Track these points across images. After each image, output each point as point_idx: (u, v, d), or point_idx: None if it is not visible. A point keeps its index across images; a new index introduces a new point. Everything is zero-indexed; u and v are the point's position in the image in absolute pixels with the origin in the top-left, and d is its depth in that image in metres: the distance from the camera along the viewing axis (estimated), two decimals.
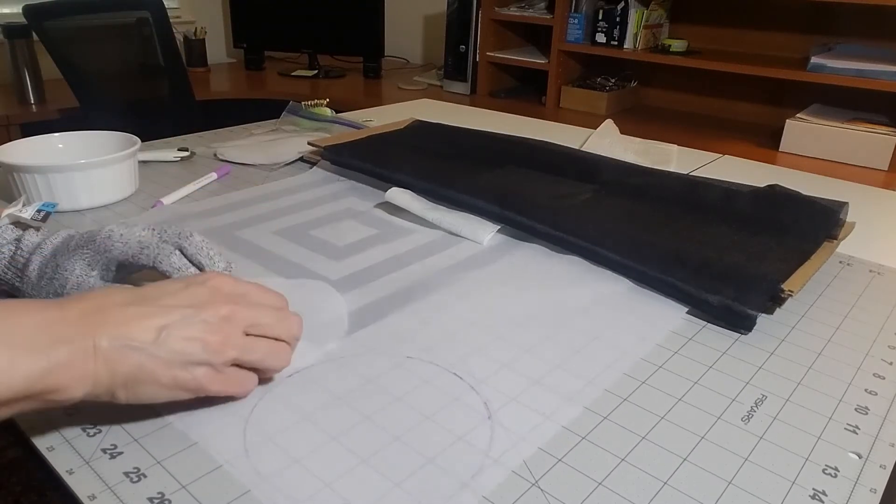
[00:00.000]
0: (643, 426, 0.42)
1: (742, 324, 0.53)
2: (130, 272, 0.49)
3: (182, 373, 0.37)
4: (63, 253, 0.48)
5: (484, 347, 0.49)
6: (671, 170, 0.90)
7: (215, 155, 0.92)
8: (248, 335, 0.40)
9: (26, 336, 0.34)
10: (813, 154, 1.62)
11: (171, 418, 0.40)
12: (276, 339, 0.42)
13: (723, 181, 0.80)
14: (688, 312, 0.55)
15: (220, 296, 0.40)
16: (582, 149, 0.97)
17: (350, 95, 2.16)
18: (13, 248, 0.50)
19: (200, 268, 0.48)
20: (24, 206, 0.54)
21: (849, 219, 0.71)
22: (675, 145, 1.04)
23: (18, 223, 0.52)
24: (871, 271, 0.65)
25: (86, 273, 0.47)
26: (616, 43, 1.92)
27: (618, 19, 1.90)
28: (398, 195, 0.73)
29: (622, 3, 1.87)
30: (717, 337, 0.52)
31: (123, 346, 0.36)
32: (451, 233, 0.69)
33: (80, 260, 0.47)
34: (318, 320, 0.52)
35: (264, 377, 0.43)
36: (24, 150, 0.72)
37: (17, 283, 0.49)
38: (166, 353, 0.36)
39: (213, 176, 0.83)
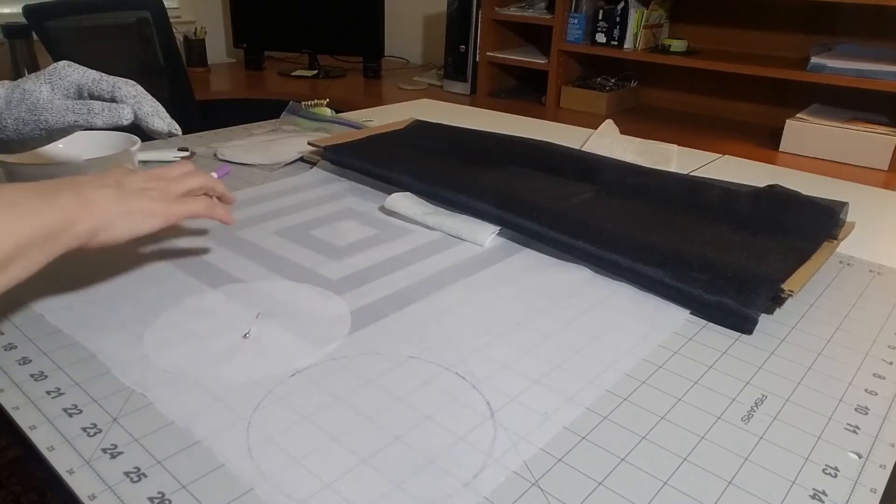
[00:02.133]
0: (643, 426, 0.42)
1: (743, 325, 0.53)
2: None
3: (141, 200, 0.48)
4: (26, 81, 0.53)
5: (484, 347, 0.49)
6: (671, 170, 0.90)
7: (215, 155, 0.92)
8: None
9: (29, 193, 0.42)
10: (813, 154, 1.62)
11: (172, 418, 0.40)
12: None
13: (723, 181, 0.80)
14: (690, 313, 0.55)
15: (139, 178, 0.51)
16: (582, 149, 0.97)
17: (350, 95, 2.16)
18: None
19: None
20: None
21: (849, 219, 0.71)
22: (675, 145, 1.04)
23: None
24: (871, 271, 0.65)
25: (50, 95, 0.53)
26: (616, 43, 1.92)
27: (618, 19, 1.90)
28: (398, 201, 0.73)
29: (622, 3, 1.87)
30: (717, 337, 0.52)
31: (102, 187, 0.46)
32: (451, 235, 0.69)
33: (45, 84, 0.53)
34: (319, 321, 0.52)
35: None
36: None
37: None
38: (127, 189, 0.48)
39: (214, 176, 0.83)
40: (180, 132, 0.58)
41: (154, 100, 0.56)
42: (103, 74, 0.56)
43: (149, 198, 0.48)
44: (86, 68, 0.55)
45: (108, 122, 0.54)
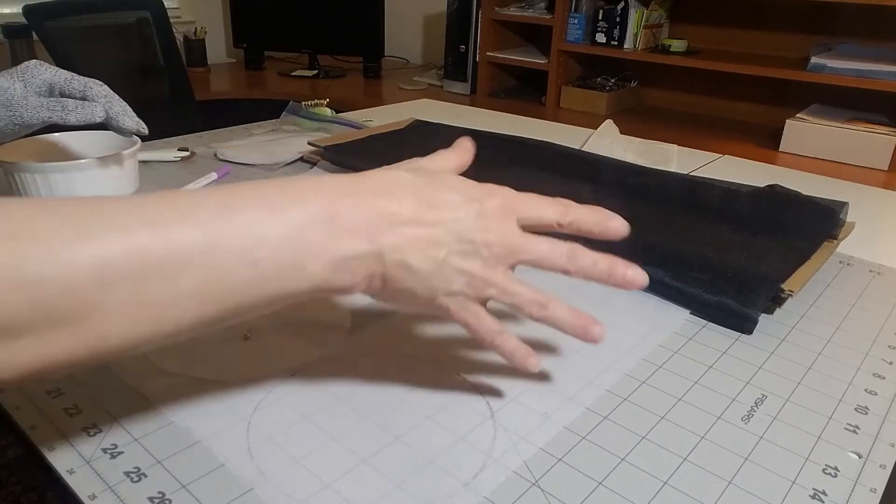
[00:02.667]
0: (643, 426, 0.42)
1: (743, 325, 0.53)
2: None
3: (442, 299, 0.37)
4: None
5: (484, 347, 0.49)
6: (671, 170, 0.90)
7: (215, 155, 0.92)
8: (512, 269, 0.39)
9: (316, 235, 0.33)
10: (813, 154, 1.62)
11: (172, 418, 0.40)
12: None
13: (723, 181, 0.80)
14: (690, 313, 0.55)
15: (497, 225, 0.38)
16: (582, 149, 0.97)
17: (350, 95, 2.16)
18: None
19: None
20: None
21: (849, 219, 0.71)
22: (675, 145, 1.04)
23: None
24: (871, 271, 0.65)
25: (24, 92, 0.54)
26: (616, 43, 1.92)
27: (618, 19, 1.90)
28: None
29: (622, 3, 1.87)
30: (717, 337, 0.52)
31: (403, 268, 0.36)
32: None
33: (19, 81, 0.54)
34: (319, 320, 0.52)
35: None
36: (24, 150, 0.72)
37: None
38: (437, 281, 0.36)
39: (214, 176, 0.83)
40: (147, 131, 0.60)
41: (122, 100, 0.58)
42: (74, 74, 0.57)
43: (452, 291, 0.38)
44: (56, 68, 0.57)
45: (80, 120, 0.56)
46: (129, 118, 0.58)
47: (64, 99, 0.56)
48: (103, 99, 0.57)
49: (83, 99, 0.57)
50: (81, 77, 0.57)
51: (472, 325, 0.39)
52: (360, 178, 0.36)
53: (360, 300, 0.55)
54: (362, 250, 0.34)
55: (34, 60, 0.57)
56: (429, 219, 0.36)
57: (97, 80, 0.58)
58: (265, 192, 0.33)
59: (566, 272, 0.40)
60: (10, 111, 0.54)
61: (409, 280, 0.36)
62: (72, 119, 0.55)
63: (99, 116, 0.56)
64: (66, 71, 0.57)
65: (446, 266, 0.36)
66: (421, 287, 0.36)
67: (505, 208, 0.39)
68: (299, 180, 0.35)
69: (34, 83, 0.55)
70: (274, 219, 0.32)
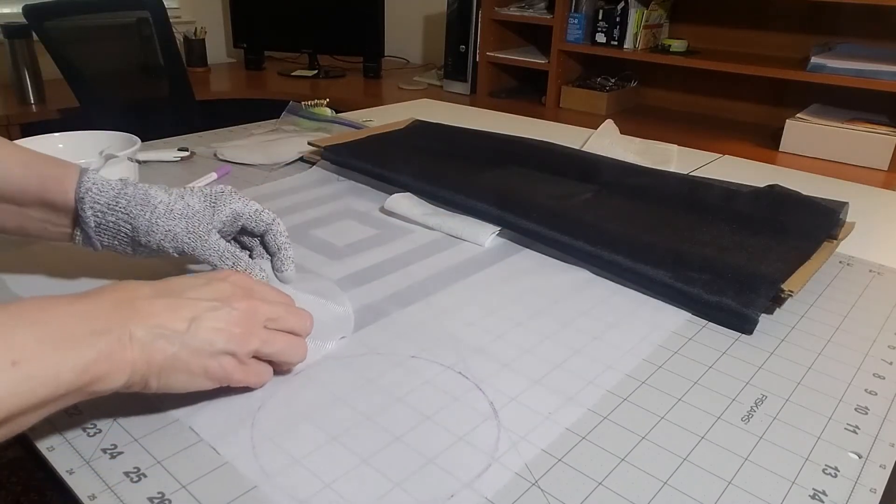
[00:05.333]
0: (643, 426, 0.42)
1: (743, 325, 0.53)
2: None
3: (211, 362, 0.39)
4: (191, 196, 0.50)
5: (484, 347, 0.49)
6: (671, 170, 0.90)
7: (215, 155, 0.92)
8: (266, 328, 0.42)
9: (66, 331, 0.34)
10: (813, 154, 1.62)
11: (173, 417, 0.40)
12: (292, 333, 0.44)
13: (723, 181, 0.80)
14: (691, 313, 0.55)
15: (239, 291, 0.42)
16: (582, 149, 0.97)
17: (350, 95, 2.16)
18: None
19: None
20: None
21: (849, 219, 0.71)
22: (675, 145, 1.04)
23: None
24: (871, 271, 0.65)
25: (211, 222, 0.50)
26: (616, 43, 1.92)
27: (618, 19, 1.90)
28: (398, 202, 0.73)
29: (622, 3, 1.87)
30: (717, 337, 0.52)
31: (158, 336, 0.37)
32: (451, 236, 0.69)
33: (210, 206, 0.50)
34: (323, 319, 0.52)
35: (280, 370, 0.45)
36: None
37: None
38: (197, 342, 0.38)
39: (213, 176, 0.83)
40: (293, 276, 0.54)
41: (290, 243, 0.54)
42: (264, 209, 0.52)
43: (218, 350, 0.39)
44: (248, 199, 0.52)
45: None
46: (291, 263, 0.53)
47: (240, 255, 0.51)
48: (283, 244, 0.52)
49: (261, 236, 0.53)
50: (269, 214, 0.52)
51: (254, 382, 0.42)
52: (89, 291, 0.38)
53: (361, 300, 0.55)
54: (114, 335, 0.35)
55: (229, 187, 0.52)
56: (171, 296, 0.39)
57: (280, 221, 0.53)
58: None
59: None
60: (189, 238, 0.49)
61: (170, 347, 0.37)
62: None
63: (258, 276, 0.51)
64: (256, 203, 0.52)
65: (202, 327, 0.38)
66: (184, 353, 0.37)
67: (244, 280, 0.44)
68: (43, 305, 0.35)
69: (224, 211, 0.50)
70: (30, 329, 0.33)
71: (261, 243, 0.54)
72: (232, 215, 0.51)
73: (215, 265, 0.50)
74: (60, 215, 0.49)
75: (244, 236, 0.54)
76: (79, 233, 0.50)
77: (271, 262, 0.53)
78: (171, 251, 0.49)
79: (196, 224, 0.49)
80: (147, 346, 0.36)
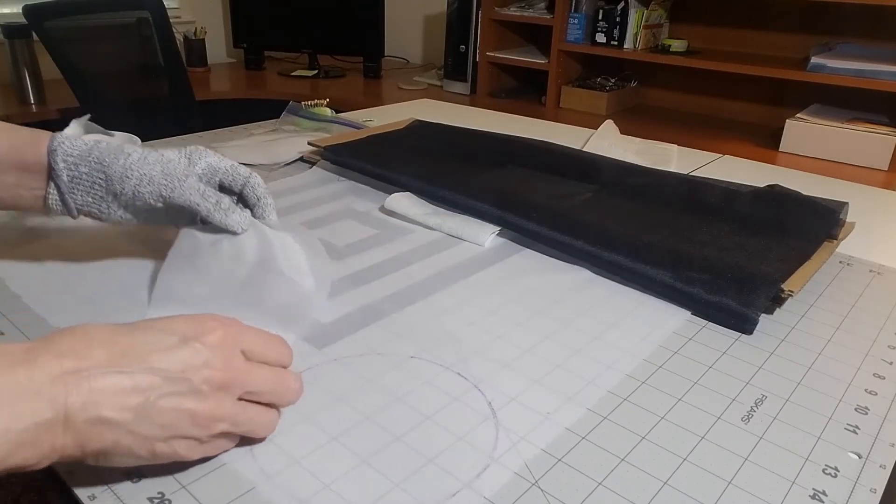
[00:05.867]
0: (643, 426, 0.42)
1: (743, 325, 0.53)
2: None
3: (162, 446, 0.33)
4: (164, 149, 0.51)
5: (484, 347, 0.49)
6: (671, 170, 0.90)
7: None
8: (240, 401, 0.36)
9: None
10: (813, 154, 1.62)
11: None
12: (268, 406, 0.38)
13: (723, 181, 0.80)
14: (691, 313, 0.55)
15: (218, 358, 0.35)
16: (582, 149, 0.97)
17: (350, 95, 2.16)
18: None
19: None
20: None
21: (849, 219, 0.71)
22: (675, 145, 1.04)
23: None
24: (871, 271, 0.65)
25: (188, 169, 0.49)
26: (616, 43, 1.92)
27: (618, 19, 1.90)
28: (398, 202, 0.73)
29: (622, 3, 1.87)
30: (717, 337, 0.52)
31: (99, 424, 0.31)
32: (451, 236, 0.69)
33: (185, 158, 0.50)
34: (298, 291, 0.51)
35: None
36: None
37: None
38: (148, 428, 0.33)
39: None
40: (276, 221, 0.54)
41: (270, 194, 0.53)
42: (238, 165, 0.52)
43: (175, 435, 0.34)
44: (221, 156, 0.52)
45: (222, 223, 0.49)
46: (273, 213, 0.53)
47: (221, 195, 0.50)
48: (262, 196, 0.52)
49: (241, 192, 0.52)
50: (245, 168, 0.52)
51: (210, 454, 0.36)
52: (42, 341, 0.33)
53: (361, 300, 0.55)
54: (44, 418, 0.30)
55: (201, 147, 0.52)
56: (127, 367, 0.32)
57: (257, 174, 0.52)
58: None
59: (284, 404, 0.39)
60: (166, 180, 0.48)
61: (111, 434, 0.32)
62: (216, 219, 0.49)
63: (241, 230, 0.50)
64: (230, 161, 0.52)
65: (155, 410, 0.32)
66: (128, 439, 0.32)
67: (226, 340, 0.36)
68: None
69: (199, 164, 0.51)
70: None
71: (239, 199, 0.53)
72: (208, 169, 0.51)
73: (198, 207, 0.49)
74: (35, 177, 0.48)
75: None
76: (52, 191, 0.48)
77: (251, 213, 0.52)
78: (148, 198, 0.48)
79: (172, 168, 0.49)
80: (84, 433, 0.31)
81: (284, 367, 0.39)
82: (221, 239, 0.51)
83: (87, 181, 0.48)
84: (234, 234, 0.50)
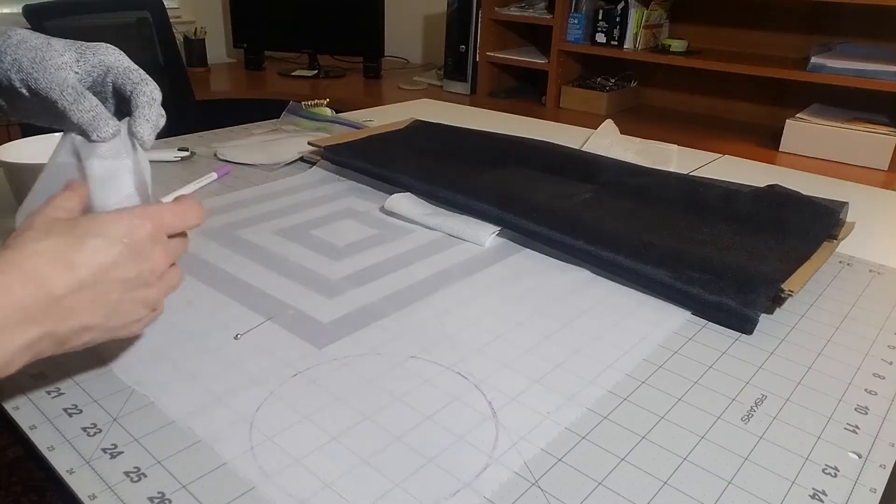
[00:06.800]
0: (643, 426, 0.42)
1: (743, 325, 0.53)
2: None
3: (123, 332, 0.41)
4: (60, 40, 0.47)
5: (485, 347, 0.49)
6: (671, 170, 0.90)
7: (215, 155, 0.92)
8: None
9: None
10: (813, 154, 1.62)
11: (173, 417, 0.40)
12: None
13: (723, 181, 0.80)
14: (691, 313, 0.55)
15: (156, 249, 0.41)
16: (582, 149, 0.97)
17: (350, 95, 2.16)
18: None
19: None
20: None
21: (849, 219, 0.71)
22: (675, 145, 1.04)
23: None
24: (871, 271, 0.65)
25: (69, 61, 0.46)
26: (616, 43, 1.92)
27: (618, 19, 1.90)
28: (398, 202, 0.73)
29: (622, 3, 1.87)
30: (717, 337, 0.52)
31: (81, 329, 0.37)
32: (451, 236, 0.69)
33: (75, 51, 0.46)
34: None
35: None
36: (24, 150, 0.72)
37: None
38: (116, 320, 0.39)
39: (214, 176, 0.83)
40: (150, 143, 0.48)
41: (161, 112, 0.48)
42: (139, 70, 0.47)
43: (136, 319, 0.41)
44: (128, 59, 0.47)
45: (79, 123, 0.44)
46: (146, 128, 0.46)
47: (89, 95, 0.45)
48: (141, 106, 0.46)
49: (129, 97, 0.46)
50: (143, 74, 0.46)
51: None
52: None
53: (361, 300, 0.55)
54: (33, 336, 0.35)
55: (111, 46, 0.47)
56: (86, 279, 0.37)
57: (154, 83, 0.47)
58: None
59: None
60: (33, 69, 0.44)
61: (89, 333, 0.38)
62: (73, 118, 0.44)
63: (98, 135, 0.44)
64: (132, 63, 0.47)
65: (122, 305, 0.39)
66: (102, 332, 0.39)
67: (155, 232, 0.41)
68: None
69: (90, 60, 0.46)
70: None
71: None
72: (101, 66, 0.46)
73: (59, 102, 0.44)
74: None
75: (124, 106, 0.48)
76: None
77: (128, 123, 0.46)
78: (18, 86, 0.45)
79: (47, 56, 0.45)
80: (64, 342, 0.37)
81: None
82: (93, 148, 0.45)
83: None
84: (100, 140, 0.45)
